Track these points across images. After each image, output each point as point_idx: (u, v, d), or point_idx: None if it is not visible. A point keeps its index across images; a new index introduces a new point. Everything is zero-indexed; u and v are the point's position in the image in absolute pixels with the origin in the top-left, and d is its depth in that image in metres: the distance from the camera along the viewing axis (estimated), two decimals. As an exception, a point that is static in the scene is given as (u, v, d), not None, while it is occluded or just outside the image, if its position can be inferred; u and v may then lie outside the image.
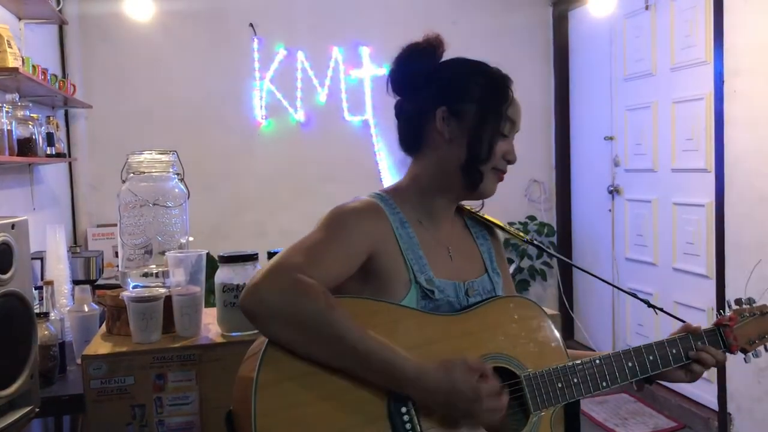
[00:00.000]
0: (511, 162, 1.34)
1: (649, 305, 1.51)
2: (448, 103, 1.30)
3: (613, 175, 4.47)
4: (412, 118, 1.35)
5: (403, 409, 1.16)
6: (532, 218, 4.92)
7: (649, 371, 1.36)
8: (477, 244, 1.44)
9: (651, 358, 1.36)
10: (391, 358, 1.13)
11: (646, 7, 4.04)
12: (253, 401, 1.08)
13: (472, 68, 1.34)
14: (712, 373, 3.50)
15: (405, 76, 1.34)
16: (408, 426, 1.15)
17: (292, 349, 1.13)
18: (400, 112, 1.37)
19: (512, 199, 4.85)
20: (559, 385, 1.28)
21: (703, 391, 3.67)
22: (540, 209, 4.99)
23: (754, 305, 1.46)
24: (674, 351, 1.37)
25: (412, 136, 1.36)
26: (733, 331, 1.41)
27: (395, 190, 1.36)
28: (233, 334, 1.72)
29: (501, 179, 1.34)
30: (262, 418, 1.08)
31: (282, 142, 4.53)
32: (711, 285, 3.51)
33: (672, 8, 3.82)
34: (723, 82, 3.27)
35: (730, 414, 3.36)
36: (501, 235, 1.51)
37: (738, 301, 1.46)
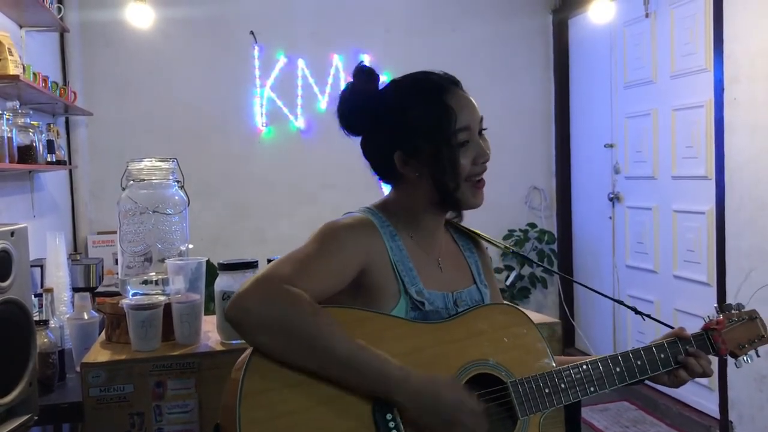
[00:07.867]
0: (484, 161, 1.31)
1: (636, 312, 1.52)
2: (399, 146, 1.29)
3: (614, 182, 4.47)
4: (377, 162, 1.35)
5: (389, 416, 1.15)
6: (532, 225, 4.91)
7: (638, 376, 1.36)
8: (465, 257, 1.45)
9: (639, 362, 1.36)
10: (375, 362, 1.13)
11: (646, 15, 4.05)
12: (238, 411, 1.08)
13: (405, 94, 1.31)
14: (713, 381, 3.49)
15: (351, 119, 1.34)
16: None
17: (277, 357, 1.13)
18: (365, 153, 1.37)
19: (512, 207, 4.85)
20: (546, 390, 1.28)
21: (704, 399, 3.66)
22: (540, 216, 4.99)
23: (742, 310, 1.46)
24: (662, 356, 1.38)
25: (383, 174, 1.36)
26: (721, 335, 1.41)
27: (384, 205, 1.37)
28: (233, 342, 1.71)
29: (481, 186, 1.32)
30: (248, 427, 1.08)
31: (282, 149, 4.54)
32: (712, 292, 3.51)
33: (672, 16, 3.82)
34: (723, 89, 3.28)
35: (731, 422, 3.35)
36: (487, 246, 1.52)
37: (727, 307, 1.46)
